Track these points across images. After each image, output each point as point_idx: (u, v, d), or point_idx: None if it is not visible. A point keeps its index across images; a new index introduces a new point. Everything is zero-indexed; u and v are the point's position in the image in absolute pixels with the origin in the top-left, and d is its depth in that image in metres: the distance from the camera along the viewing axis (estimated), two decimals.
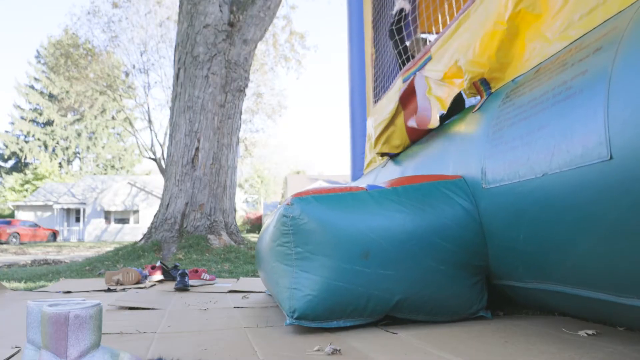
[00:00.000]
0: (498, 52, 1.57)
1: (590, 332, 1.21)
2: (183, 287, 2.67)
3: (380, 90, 3.13)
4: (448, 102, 1.87)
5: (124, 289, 2.75)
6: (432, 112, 1.91)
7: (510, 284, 1.44)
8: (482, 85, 1.66)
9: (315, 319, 1.37)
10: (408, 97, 2.17)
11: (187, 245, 5.28)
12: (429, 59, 2.09)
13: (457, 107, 1.93)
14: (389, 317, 1.45)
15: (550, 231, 1.15)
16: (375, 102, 3.18)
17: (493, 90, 1.64)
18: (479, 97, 1.72)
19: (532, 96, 1.27)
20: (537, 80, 1.29)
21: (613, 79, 0.94)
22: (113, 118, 27.81)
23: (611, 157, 0.92)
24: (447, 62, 1.89)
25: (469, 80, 1.69)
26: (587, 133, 0.99)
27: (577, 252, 1.08)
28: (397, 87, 2.46)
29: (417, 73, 2.13)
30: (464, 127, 1.72)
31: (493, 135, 1.42)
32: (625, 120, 0.89)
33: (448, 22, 2.18)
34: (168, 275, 3.18)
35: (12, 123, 32.06)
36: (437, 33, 3.03)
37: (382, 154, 2.62)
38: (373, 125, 2.69)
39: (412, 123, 2.03)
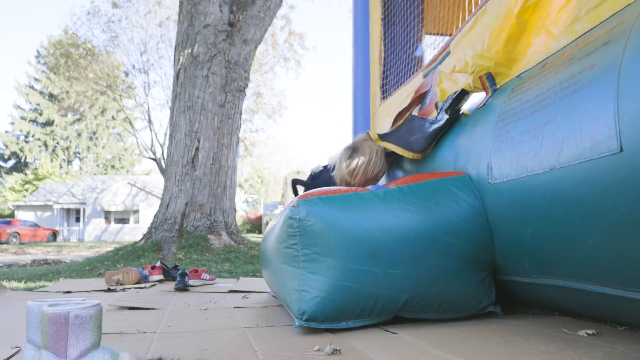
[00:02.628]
0: (506, 46, 1.56)
1: (590, 331, 1.21)
2: (183, 287, 2.67)
3: (390, 87, 3.12)
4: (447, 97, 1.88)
5: (124, 289, 2.74)
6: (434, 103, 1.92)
7: (517, 280, 1.43)
8: (487, 80, 1.65)
9: (324, 321, 1.36)
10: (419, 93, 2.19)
11: (187, 245, 5.28)
12: (448, 54, 2.08)
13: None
14: (397, 317, 1.45)
15: (558, 226, 1.14)
16: (384, 98, 3.17)
17: (498, 86, 1.65)
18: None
19: (538, 91, 1.26)
20: (544, 75, 1.28)
21: (623, 72, 0.94)
22: (113, 118, 27.84)
23: (621, 150, 0.92)
24: (459, 56, 1.89)
25: (475, 73, 1.69)
26: (597, 126, 0.98)
27: (585, 246, 1.07)
28: (416, 83, 2.46)
29: (437, 67, 2.13)
30: (469, 123, 1.72)
31: (499, 131, 1.41)
32: (635, 113, 0.89)
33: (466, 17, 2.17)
34: (168, 275, 3.18)
35: (12, 123, 32.06)
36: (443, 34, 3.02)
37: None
38: (387, 121, 2.69)
39: (415, 112, 2.04)
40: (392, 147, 2.01)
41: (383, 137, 2.08)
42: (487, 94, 1.67)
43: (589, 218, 1.04)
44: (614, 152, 0.93)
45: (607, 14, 1.16)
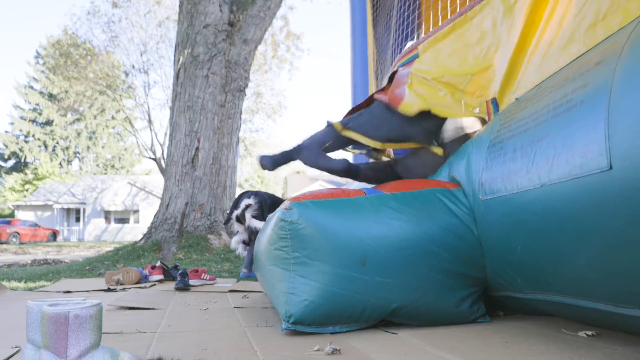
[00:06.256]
0: (508, 77, 1.65)
1: (589, 332, 1.21)
2: (183, 287, 2.67)
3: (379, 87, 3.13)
4: (432, 103, 1.87)
5: (124, 289, 2.75)
6: (406, 98, 1.91)
7: (509, 295, 1.43)
8: (492, 105, 1.71)
9: (311, 324, 1.36)
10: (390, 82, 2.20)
11: (187, 245, 5.28)
12: (416, 56, 2.11)
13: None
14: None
15: (549, 242, 1.14)
16: None
17: (500, 111, 1.70)
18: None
19: (533, 109, 1.27)
20: (539, 95, 1.29)
21: (614, 91, 0.95)
22: (113, 118, 27.81)
23: (611, 167, 0.92)
24: (433, 65, 1.94)
25: (483, 98, 1.75)
26: (587, 143, 0.99)
27: (576, 263, 1.07)
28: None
29: (408, 64, 2.15)
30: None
31: (492, 147, 1.42)
32: (625, 131, 0.89)
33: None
34: (168, 275, 3.19)
35: (12, 123, 32.03)
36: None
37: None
38: None
39: (382, 97, 2.02)
40: (357, 136, 2.02)
41: (346, 124, 2.08)
42: (489, 119, 1.72)
43: (579, 235, 1.04)
44: (604, 169, 0.93)
45: (600, 38, 1.20)
